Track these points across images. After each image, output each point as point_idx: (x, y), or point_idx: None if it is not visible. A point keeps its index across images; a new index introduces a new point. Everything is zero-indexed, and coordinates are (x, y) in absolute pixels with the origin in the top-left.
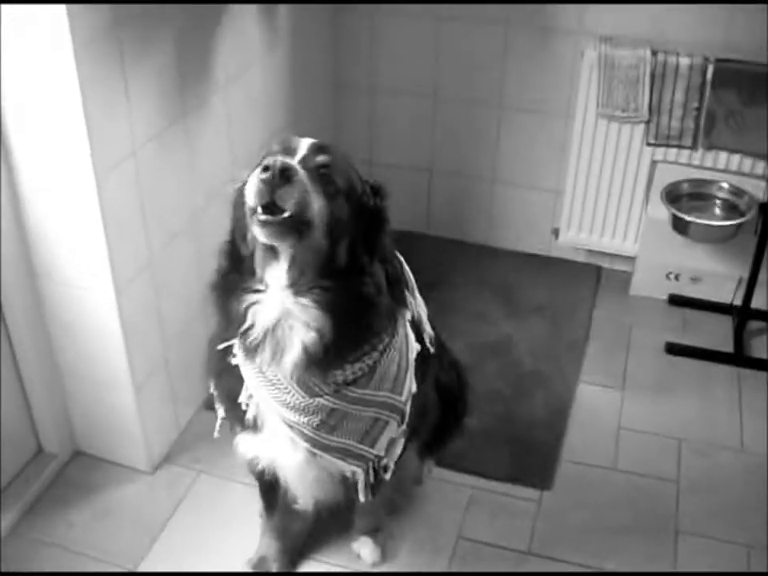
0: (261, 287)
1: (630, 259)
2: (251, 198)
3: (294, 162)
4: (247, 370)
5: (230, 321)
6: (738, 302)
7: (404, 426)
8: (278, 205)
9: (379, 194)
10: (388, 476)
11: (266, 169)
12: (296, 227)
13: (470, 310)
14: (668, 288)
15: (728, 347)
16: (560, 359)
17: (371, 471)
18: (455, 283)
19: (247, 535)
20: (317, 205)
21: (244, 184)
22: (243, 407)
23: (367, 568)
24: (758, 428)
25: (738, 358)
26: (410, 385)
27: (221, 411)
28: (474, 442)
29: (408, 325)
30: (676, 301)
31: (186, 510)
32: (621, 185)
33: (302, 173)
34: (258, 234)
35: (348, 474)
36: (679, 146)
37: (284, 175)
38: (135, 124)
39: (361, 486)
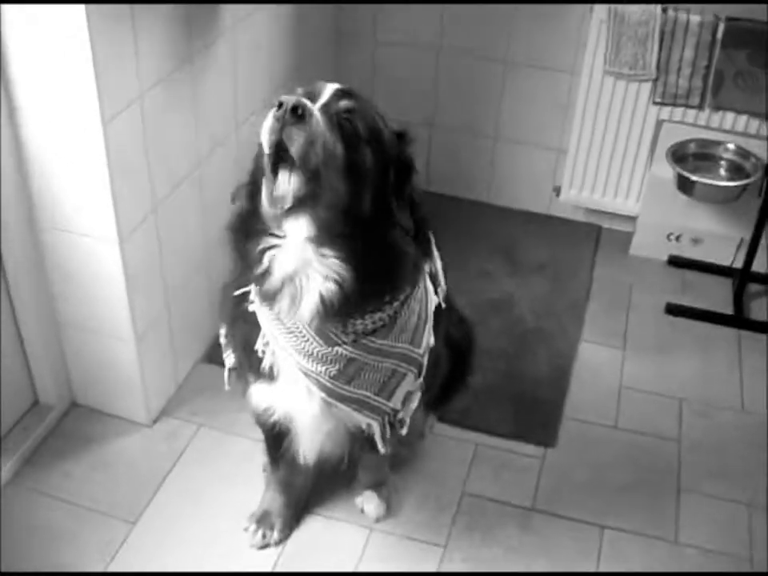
0: (280, 233)
1: (631, 219)
2: (263, 135)
3: (311, 104)
4: (264, 316)
5: (248, 265)
6: (738, 264)
7: (421, 380)
8: (286, 146)
9: (404, 140)
10: (404, 431)
11: (279, 105)
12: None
13: (472, 267)
14: (668, 249)
15: (728, 309)
16: (562, 318)
17: (387, 425)
18: (455, 241)
19: (248, 489)
20: (334, 150)
21: None
22: (259, 355)
23: (371, 523)
24: (759, 389)
25: (738, 319)
26: (429, 337)
27: (230, 361)
28: (478, 399)
29: (428, 277)
30: (676, 262)
31: (186, 463)
32: (625, 144)
33: (317, 115)
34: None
35: (363, 427)
36: (686, 106)
37: (296, 113)
38: (142, 67)
39: (378, 438)
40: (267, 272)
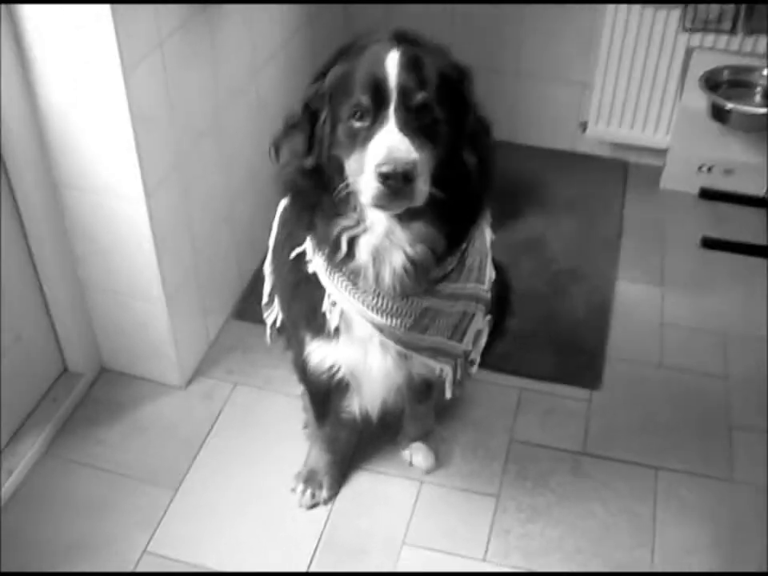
0: (355, 215)
1: (660, 152)
2: (366, 197)
3: (409, 155)
4: (331, 278)
5: (319, 241)
6: None
7: (489, 316)
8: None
9: (467, 77)
10: (474, 369)
11: (385, 177)
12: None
13: (498, 208)
14: (699, 181)
15: (763, 240)
16: (595, 256)
17: (459, 367)
18: None
19: (291, 446)
20: (424, 158)
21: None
22: (326, 315)
23: (420, 475)
24: None
25: None
26: (491, 272)
27: (272, 318)
28: (517, 343)
29: None
30: (708, 194)
31: (224, 424)
32: (653, 74)
33: (414, 158)
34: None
35: (437, 373)
36: (717, 31)
37: (405, 178)
38: (161, 13)
39: (448, 383)
40: (349, 255)
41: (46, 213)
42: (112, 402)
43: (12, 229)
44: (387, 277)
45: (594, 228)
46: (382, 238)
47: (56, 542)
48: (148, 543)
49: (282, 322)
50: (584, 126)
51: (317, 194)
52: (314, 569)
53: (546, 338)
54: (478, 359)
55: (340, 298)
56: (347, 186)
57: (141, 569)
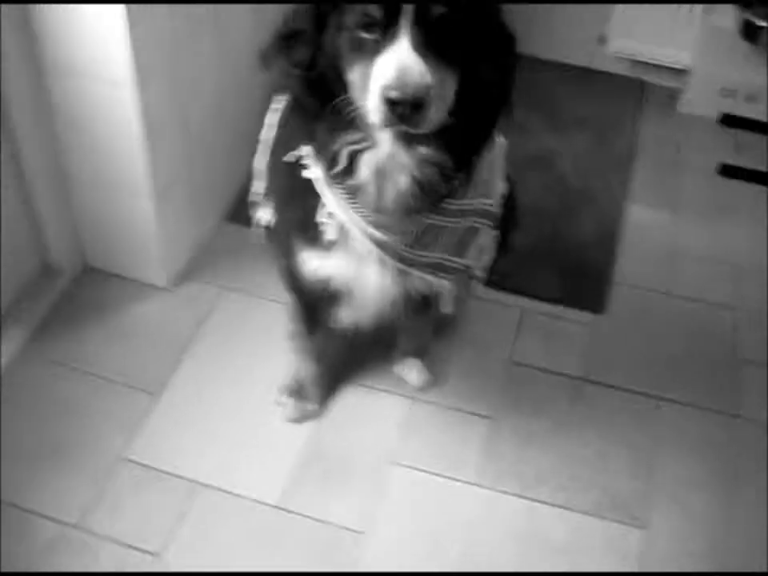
0: (359, 132)
1: (680, 73)
2: (371, 118)
3: (417, 68)
4: (328, 187)
5: (318, 148)
6: None
7: (496, 232)
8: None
9: None
10: (478, 286)
11: (394, 103)
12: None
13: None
14: (720, 106)
15: None
16: (607, 177)
17: (459, 284)
18: None
19: (278, 355)
20: (440, 83)
21: None
22: (321, 226)
23: (413, 392)
24: None
25: None
26: (501, 185)
27: (264, 220)
28: (520, 261)
29: None
30: (728, 120)
31: (210, 329)
32: None
33: (429, 82)
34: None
35: (437, 289)
36: None
37: (416, 105)
38: None
39: (447, 299)
40: (349, 171)
41: (31, 99)
42: (95, 301)
43: None
44: (389, 196)
45: (607, 148)
46: (386, 157)
47: (30, 444)
48: (125, 449)
49: (273, 226)
50: (603, 40)
51: (320, 107)
52: (296, 484)
53: (552, 258)
54: (481, 275)
55: (337, 210)
56: (351, 103)
57: (116, 475)
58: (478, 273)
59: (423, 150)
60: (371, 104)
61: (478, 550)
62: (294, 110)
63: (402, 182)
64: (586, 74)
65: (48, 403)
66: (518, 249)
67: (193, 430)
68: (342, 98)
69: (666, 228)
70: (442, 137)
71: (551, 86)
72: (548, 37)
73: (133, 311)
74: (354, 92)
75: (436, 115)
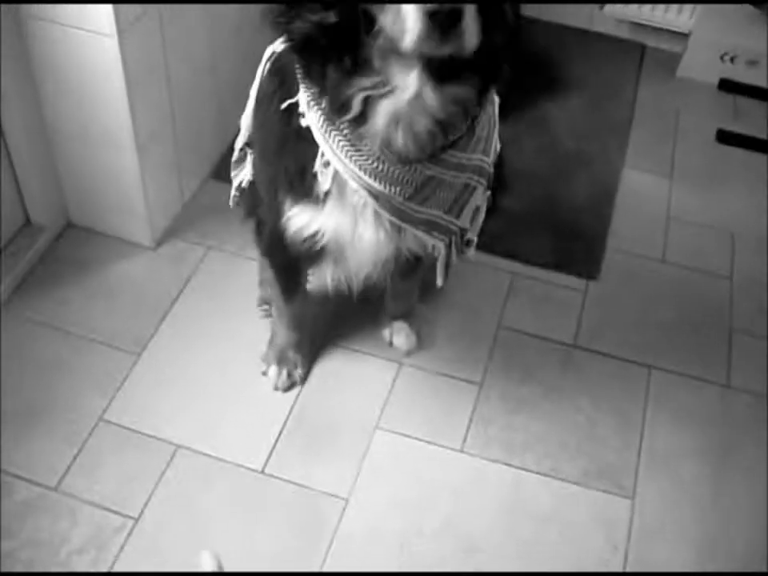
0: (378, 77)
1: (681, 37)
2: (408, 41)
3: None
4: (325, 134)
5: (328, 98)
6: None
7: (488, 192)
8: None
9: None
10: (471, 251)
11: (432, 14)
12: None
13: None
14: (720, 71)
15: None
16: (603, 141)
17: (453, 245)
18: None
19: (262, 317)
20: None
21: None
22: (317, 176)
23: (400, 356)
24: None
25: None
26: (496, 144)
27: (239, 177)
28: (512, 224)
29: None
30: (727, 86)
31: (194, 289)
32: None
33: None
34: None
35: (429, 250)
36: None
37: (453, 17)
38: None
39: (440, 265)
40: (360, 118)
41: (10, 46)
42: (76, 259)
43: None
44: (401, 142)
45: (604, 111)
46: (407, 102)
47: (7, 404)
48: (105, 410)
49: (250, 184)
50: (602, 3)
51: (335, 52)
52: (279, 448)
53: (544, 221)
54: (475, 240)
55: (334, 159)
56: (380, 35)
57: (95, 437)
58: (471, 236)
59: (452, 89)
60: (408, 21)
61: (462, 518)
62: (303, 59)
63: (421, 125)
64: (586, 37)
65: (27, 363)
66: (510, 211)
67: (175, 391)
68: (365, 38)
69: (661, 194)
70: (469, 73)
71: (550, 49)
72: None
73: (115, 270)
74: (386, 20)
75: (474, 30)
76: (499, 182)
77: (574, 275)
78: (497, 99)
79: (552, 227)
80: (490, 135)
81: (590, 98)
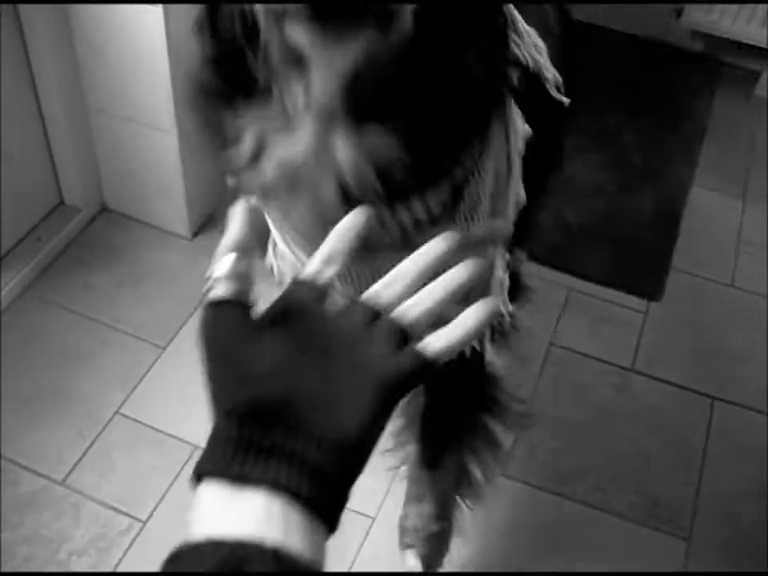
0: (275, 107)
1: (761, 54)
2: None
3: None
4: (268, 211)
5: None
6: None
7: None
8: None
9: None
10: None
11: None
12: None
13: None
14: None
15: None
16: (672, 157)
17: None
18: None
19: None
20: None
21: None
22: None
23: None
24: None
25: None
26: (516, 193)
27: None
28: (571, 238)
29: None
30: None
31: None
32: None
33: None
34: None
35: None
36: None
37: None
38: None
39: None
40: (254, 158)
41: (49, 23)
42: (109, 245)
43: (11, 36)
44: (320, 206)
45: (675, 126)
46: (303, 152)
47: (24, 391)
48: (123, 403)
49: None
50: (678, 13)
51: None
52: None
53: (605, 237)
54: (509, 308)
55: (280, 241)
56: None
57: (110, 431)
58: (505, 308)
59: (372, 136)
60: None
61: (496, 546)
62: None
63: (328, 192)
64: (659, 49)
65: (46, 346)
66: (569, 223)
67: (197, 389)
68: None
69: (733, 215)
70: (403, 114)
71: (619, 58)
72: (620, 7)
73: (148, 259)
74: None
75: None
76: (555, 163)
77: (634, 295)
78: (521, 128)
79: (614, 243)
80: (501, 186)
81: (661, 112)
